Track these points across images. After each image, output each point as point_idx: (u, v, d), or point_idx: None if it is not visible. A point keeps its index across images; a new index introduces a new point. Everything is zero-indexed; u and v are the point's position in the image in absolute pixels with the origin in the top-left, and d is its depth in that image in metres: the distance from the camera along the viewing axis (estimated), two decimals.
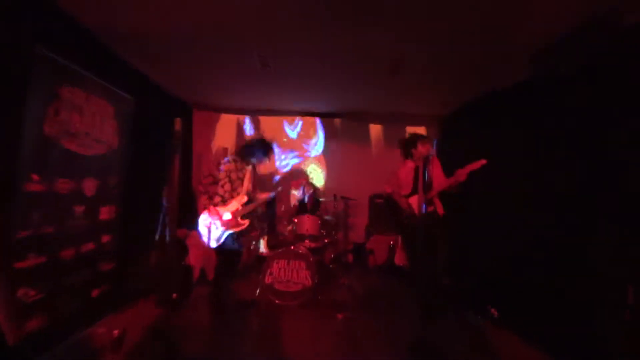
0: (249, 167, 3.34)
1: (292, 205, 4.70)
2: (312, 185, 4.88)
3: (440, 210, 3.29)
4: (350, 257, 5.12)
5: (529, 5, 2.23)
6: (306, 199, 3.28)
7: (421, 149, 3.28)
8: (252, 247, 4.52)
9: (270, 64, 3.27)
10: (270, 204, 3.58)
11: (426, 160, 3.17)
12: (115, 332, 2.51)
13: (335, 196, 4.72)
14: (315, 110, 5.24)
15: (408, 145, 3.39)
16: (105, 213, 3.02)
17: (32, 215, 2.28)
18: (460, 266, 3.80)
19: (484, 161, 2.85)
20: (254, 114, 5.33)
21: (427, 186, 3.15)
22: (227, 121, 5.35)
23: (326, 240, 4.20)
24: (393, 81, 3.66)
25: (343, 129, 5.57)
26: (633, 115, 2.22)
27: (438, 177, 3.24)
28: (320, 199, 4.83)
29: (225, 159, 3.32)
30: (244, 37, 2.81)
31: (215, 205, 3.14)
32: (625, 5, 2.14)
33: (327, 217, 4.59)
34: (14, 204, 2.13)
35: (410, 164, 3.38)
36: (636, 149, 2.17)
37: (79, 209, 2.70)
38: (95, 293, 2.87)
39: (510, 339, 2.78)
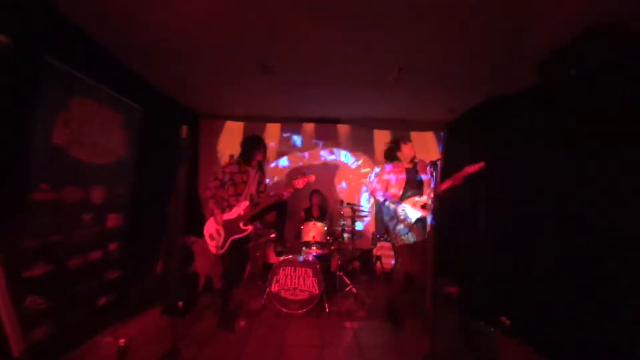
0: (254, 170, 3.25)
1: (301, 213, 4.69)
2: (319, 192, 4.86)
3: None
4: (357, 264, 5.07)
5: (536, 12, 2.21)
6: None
7: (405, 150, 3.27)
8: (258, 255, 4.50)
9: (275, 70, 3.28)
10: (281, 211, 3.43)
11: (415, 163, 3.27)
12: (122, 341, 2.50)
13: (341, 202, 4.69)
14: (321, 116, 5.24)
15: (392, 149, 3.36)
16: (113, 221, 3.03)
17: (41, 224, 2.29)
18: (471, 275, 3.74)
19: (482, 164, 2.76)
20: (260, 120, 5.35)
21: (420, 190, 3.18)
22: (233, 128, 5.37)
23: (333, 247, 4.17)
24: (398, 87, 3.65)
25: (348, 135, 5.56)
26: None
27: (428, 181, 3.17)
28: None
29: (230, 162, 3.26)
30: (249, 45, 2.82)
31: (222, 210, 3.11)
32: (632, 11, 2.11)
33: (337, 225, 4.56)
34: (22, 212, 2.15)
35: (399, 167, 3.29)
36: None
37: (87, 217, 2.71)
38: (102, 301, 2.87)
39: (523, 350, 2.71)
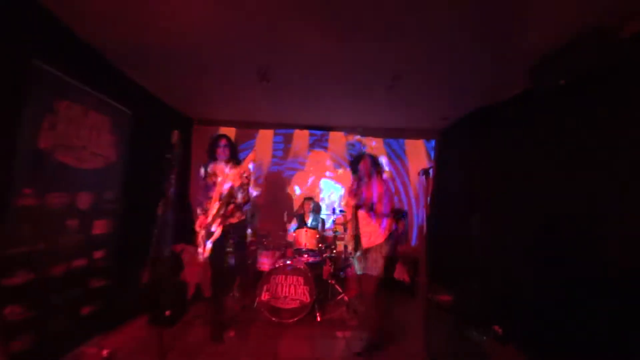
0: (227, 168, 3.13)
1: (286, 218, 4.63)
2: (312, 199, 4.83)
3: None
4: (349, 272, 5.03)
5: (526, 18, 2.24)
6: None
7: (361, 166, 3.24)
8: (249, 263, 4.42)
9: (269, 78, 3.27)
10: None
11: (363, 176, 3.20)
12: (105, 352, 2.42)
13: (334, 210, 4.66)
14: (314, 123, 5.24)
15: (354, 164, 3.35)
16: (99, 227, 2.95)
17: (23, 230, 2.21)
18: (464, 282, 3.73)
19: None
20: (253, 127, 5.33)
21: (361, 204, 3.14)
22: (228, 134, 5.33)
23: (325, 255, 4.13)
24: (391, 95, 3.66)
25: (342, 142, 5.57)
26: (632, 125, 2.21)
27: (369, 197, 3.11)
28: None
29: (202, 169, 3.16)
30: (243, 52, 2.81)
31: (206, 216, 2.98)
32: (622, 17, 2.16)
33: (325, 231, 4.53)
34: (4, 219, 2.07)
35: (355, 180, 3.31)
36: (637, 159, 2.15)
37: (72, 224, 2.63)
38: (85, 311, 2.77)
39: (515, 357, 2.70)
